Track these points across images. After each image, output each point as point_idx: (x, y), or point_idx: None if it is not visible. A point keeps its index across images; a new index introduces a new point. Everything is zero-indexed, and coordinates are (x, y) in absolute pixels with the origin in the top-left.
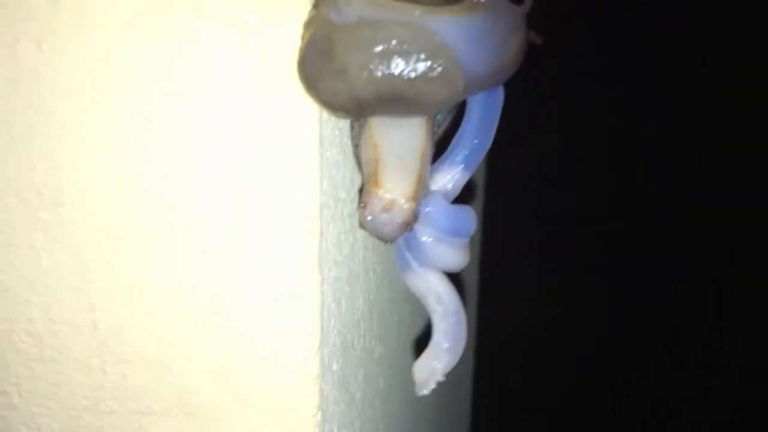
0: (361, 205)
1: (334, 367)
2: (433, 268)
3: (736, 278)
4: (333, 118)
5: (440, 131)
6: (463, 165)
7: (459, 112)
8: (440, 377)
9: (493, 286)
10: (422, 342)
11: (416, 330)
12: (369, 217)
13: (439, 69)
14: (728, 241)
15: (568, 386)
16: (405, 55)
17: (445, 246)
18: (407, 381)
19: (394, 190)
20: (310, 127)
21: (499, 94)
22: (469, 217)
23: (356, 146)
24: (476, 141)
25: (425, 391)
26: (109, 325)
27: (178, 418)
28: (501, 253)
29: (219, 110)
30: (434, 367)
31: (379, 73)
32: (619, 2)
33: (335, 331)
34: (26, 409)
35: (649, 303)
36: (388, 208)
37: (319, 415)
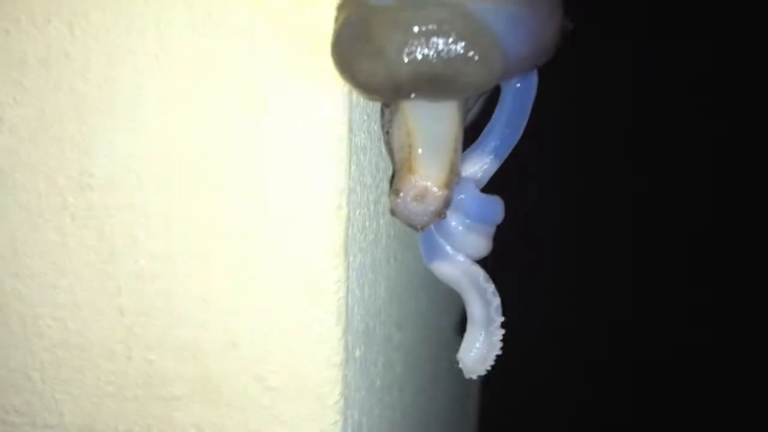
0: (394, 191)
1: (357, 354)
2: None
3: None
4: (362, 103)
5: (469, 118)
6: (493, 154)
7: (489, 100)
8: (496, 353)
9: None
10: (440, 331)
11: (432, 319)
12: (401, 205)
13: (479, 49)
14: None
15: (579, 376)
16: (445, 35)
17: (474, 233)
18: (421, 369)
19: (428, 177)
20: (340, 112)
21: (533, 84)
22: (499, 205)
23: (387, 132)
24: (508, 130)
25: (476, 375)
26: (135, 310)
27: (202, 404)
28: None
29: (248, 94)
30: (492, 343)
31: (419, 53)
32: None
33: (358, 318)
34: (49, 395)
35: (657, 309)
36: (421, 195)
37: (342, 402)
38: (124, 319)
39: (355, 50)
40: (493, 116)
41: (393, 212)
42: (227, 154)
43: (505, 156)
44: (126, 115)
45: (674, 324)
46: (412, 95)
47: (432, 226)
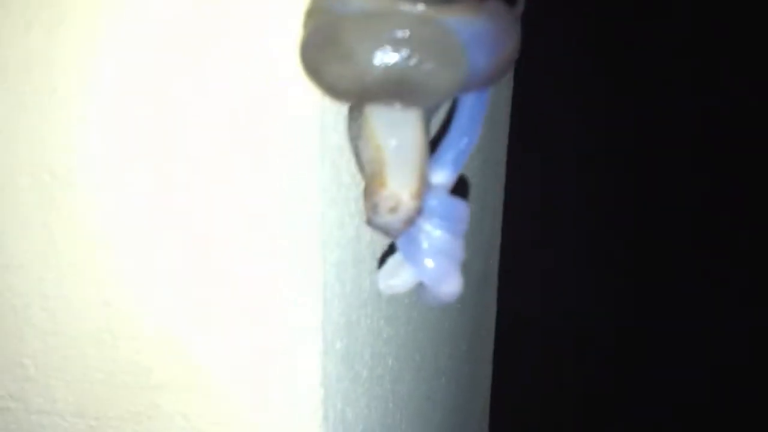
0: (370, 205)
1: (338, 345)
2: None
3: None
4: (336, 106)
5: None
6: (453, 163)
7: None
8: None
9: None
10: (439, 326)
11: (428, 315)
12: (376, 217)
13: (448, 55)
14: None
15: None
16: (415, 40)
17: (449, 234)
18: (419, 362)
19: (400, 190)
20: (311, 113)
21: (486, 95)
22: (465, 207)
23: (356, 146)
24: (465, 140)
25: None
26: (120, 302)
27: (186, 393)
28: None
29: (223, 95)
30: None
31: (388, 58)
32: None
33: (339, 311)
34: (43, 380)
35: (671, 305)
36: (394, 208)
37: (322, 391)
38: (110, 310)
39: (323, 54)
40: (450, 127)
41: (368, 223)
42: (203, 152)
43: (464, 164)
44: (107, 113)
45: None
46: (379, 100)
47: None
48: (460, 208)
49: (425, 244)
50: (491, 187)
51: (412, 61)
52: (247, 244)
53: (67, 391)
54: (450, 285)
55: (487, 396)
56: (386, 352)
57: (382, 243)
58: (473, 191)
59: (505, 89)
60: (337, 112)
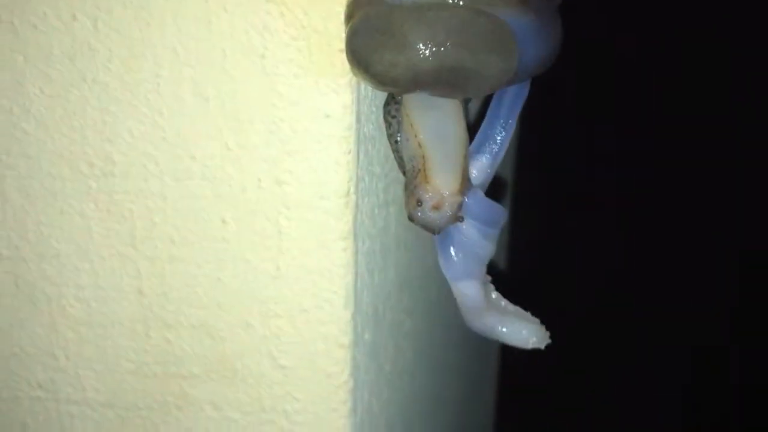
0: (415, 201)
1: (366, 336)
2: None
3: None
4: (369, 96)
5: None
6: (492, 158)
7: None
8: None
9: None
10: (452, 321)
11: (443, 309)
12: (420, 213)
13: (503, 43)
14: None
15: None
16: (470, 29)
17: (481, 236)
18: (433, 357)
19: (444, 186)
20: (349, 103)
21: (527, 90)
22: (502, 210)
23: (396, 142)
24: (504, 133)
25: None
26: (154, 291)
27: (217, 382)
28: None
29: (260, 86)
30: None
31: (443, 47)
32: None
33: (367, 301)
34: (73, 371)
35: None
36: (438, 204)
37: (351, 382)
38: (144, 300)
39: (375, 42)
40: (487, 122)
41: (411, 219)
42: (239, 142)
43: (501, 158)
44: (145, 104)
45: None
46: (431, 88)
47: (449, 238)
48: (495, 211)
49: (456, 238)
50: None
51: (468, 50)
52: (279, 233)
53: (96, 381)
54: (468, 287)
55: (493, 393)
56: (406, 345)
57: (406, 235)
58: None
59: None
60: (371, 102)
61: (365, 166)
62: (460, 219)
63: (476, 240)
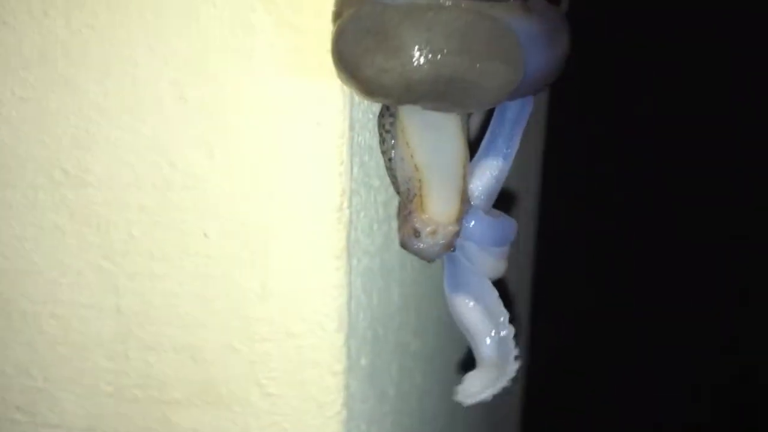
0: (406, 228)
1: (363, 362)
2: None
3: None
4: (365, 101)
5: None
6: (495, 180)
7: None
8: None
9: (546, 300)
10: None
11: (456, 327)
12: (414, 241)
13: (507, 52)
14: None
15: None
16: (471, 35)
17: (486, 256)
18: (447, 377)
19: (440, 214)
20: (340, 109)
21: (531, 104)
22: (509, 227)
23: (389, 159)
24: (508, 150)
25: (469, 401)
26: (134, 310)
27: (201, 408)
28: (554, 269)
29: (246, 90)
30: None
31: (441, 53)
32: None
33: (365, 324)
34: (52, 392)
35: (709, 316)
36: (433, 232)
37: (344, 413)
38: (123, 318)
39: (365, 45)
40: (491, 135)
41: (403, 245)
42: (223, 150)
43: (507, 174)
44: (121, 108)
45: None
46: (424, 100)
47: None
48: (500, 230)
49: (466, 264)
50: (523, 188)
51: (467, 58)
52: (266, 250)
53: (76, 405)
54: (460, 304)
55: (518, 406)
56: (413, 366)
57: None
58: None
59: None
60: (367, 108)
61: (361, 178)
62: (452, 249)
63: (481, 260)
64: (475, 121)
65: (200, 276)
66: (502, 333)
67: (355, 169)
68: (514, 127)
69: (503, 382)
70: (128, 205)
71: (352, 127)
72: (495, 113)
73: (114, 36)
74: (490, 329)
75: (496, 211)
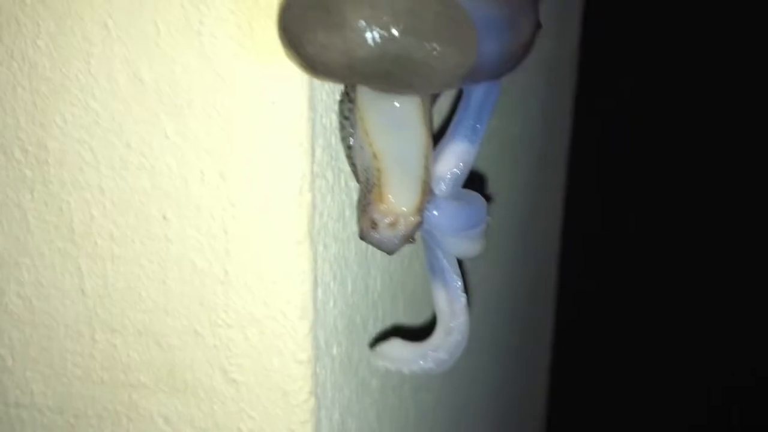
0: (365, 219)
1: (334, 351)
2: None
3: None
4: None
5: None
6: (464, 157)
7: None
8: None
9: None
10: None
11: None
12: (372, 233)
13: (457, 33)
14: None
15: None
16: (420, 12)
17: (458, 240)
18: (448, 372)
19: (400, 205)
20: (299, 89)
21: (497, 90)
22: (476, 208)
23: (348, 147)
24: (474, 135)
25: (380, 363)
26: (98, 292)
27: (167, 394)
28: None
29: (198, 65)
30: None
31: (385, 30)
32: None
33: (336, 312)
34: (20, 373)
35: (739, 305)
36: (393, 224)
37: (312, 401)
38: (87, 300)
39: (309, 19)
40: (455, 126)
41: (362, 237)
42: (177, 130)
43: (471, 165)
44: (76, 85)
45: None
46: (370, 81)
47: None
48: (467, 214)
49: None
50: (549, 172)
51: (415, 36)
52: (226, 233)
53: (45, 386)
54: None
55: (543, 404)
56: None
57: None
58: (528, 186)
59: (567, 78)
60: (333, 89)
61: (327, 161)
62: (412, 240)
63: (453, 245)
64: (443, 108)
65: (160, 259)
66: (452, 324)
67: (318, 152)
68: (480, 111)
69: (428, 363)
70: (86, 185)
71: (313, 108)
72: (462, 98)
73: (67, 11)
74: (447, 320)
75: (464, 192)
